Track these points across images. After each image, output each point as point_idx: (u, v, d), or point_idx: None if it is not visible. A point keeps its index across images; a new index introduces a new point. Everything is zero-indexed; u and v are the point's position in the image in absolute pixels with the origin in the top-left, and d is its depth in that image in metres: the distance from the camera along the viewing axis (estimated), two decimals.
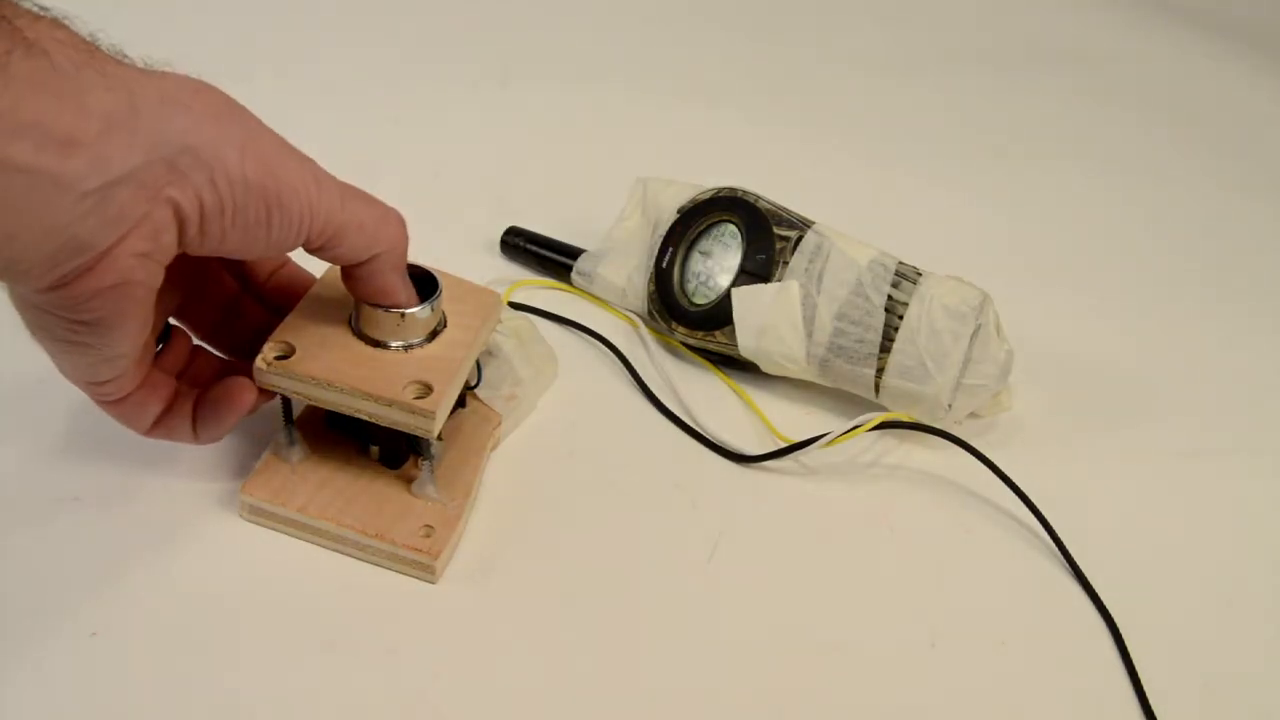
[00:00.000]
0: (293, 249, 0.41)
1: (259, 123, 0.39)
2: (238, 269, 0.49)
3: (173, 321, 0.48)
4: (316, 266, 0.50)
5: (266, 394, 0.47)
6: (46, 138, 0.33)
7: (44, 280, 0.35)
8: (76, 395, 0.52)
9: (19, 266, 0.35)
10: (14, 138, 0.32)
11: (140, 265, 0.37)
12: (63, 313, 0.37)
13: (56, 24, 0.35)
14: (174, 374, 0.47)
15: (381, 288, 0.45)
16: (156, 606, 0.45)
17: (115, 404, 0.43)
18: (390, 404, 0.45)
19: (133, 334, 0.39)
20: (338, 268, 0.49)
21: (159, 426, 0.45)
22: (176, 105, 0.36)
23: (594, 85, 0.87)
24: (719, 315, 0.59)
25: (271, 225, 0.39)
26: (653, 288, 0.61)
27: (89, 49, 0.35)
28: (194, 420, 0.46)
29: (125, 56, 0.37)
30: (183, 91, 0.37)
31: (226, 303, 0.49)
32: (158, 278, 0.38)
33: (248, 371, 0.46)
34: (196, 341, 0.49)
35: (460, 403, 0.51)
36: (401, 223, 0.44)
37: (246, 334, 0.49)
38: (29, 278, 0.35)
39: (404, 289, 0.46)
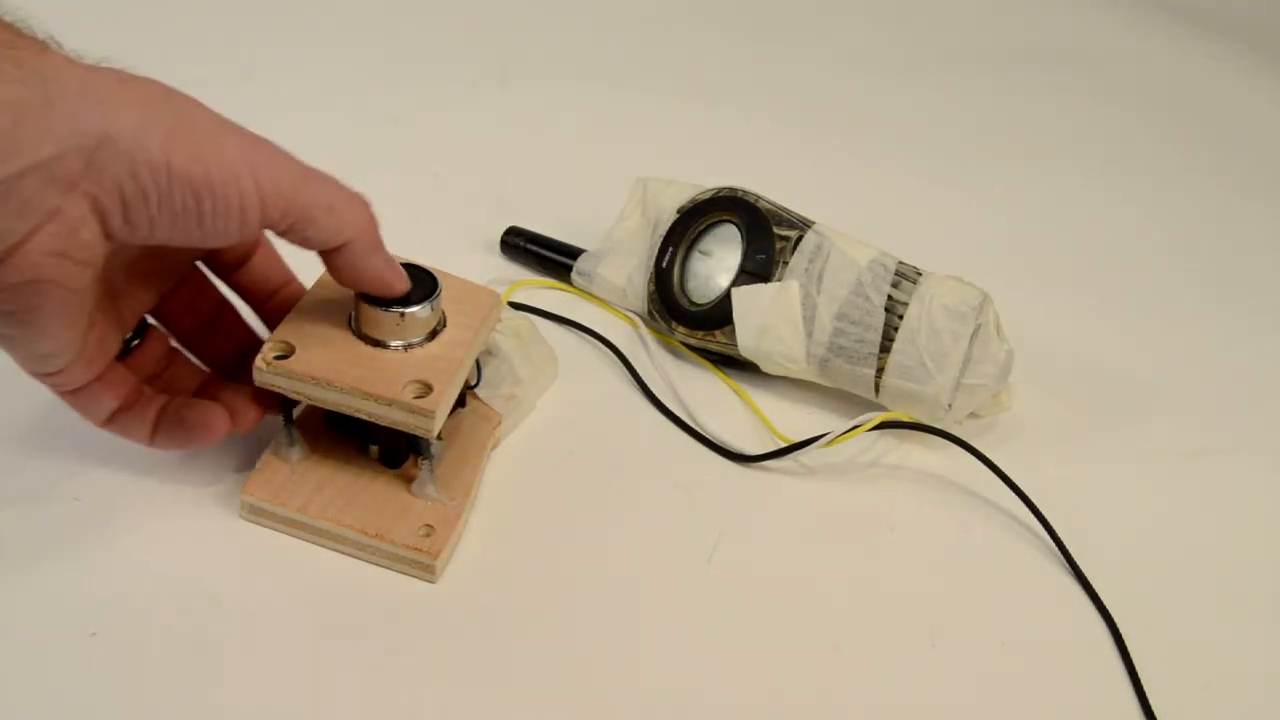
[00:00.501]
0: (246, 235, 0.41)
1: (196, 108, 0.38)
2: (238, 283, 0.49)
3: (151, 322, 0.48)
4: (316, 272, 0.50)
5: (242, 426, 0.47)
6: None
7: None
8: None
9: None
10: None
11: (54, 264, 0.36)
12: None
13: None
14: (145, 374, 0.47)
15: (366, 273, 0.44)
16: (156, 606, 0.45)
17: (68, 394, 0.43)
18: (390, 403, 0.45)
19: (56, 333, 0.39)
20: None
21: (114, 422, 0.45)
22: (96, 96, 0.36)
23: (594, 85, 0.87)
24: (719, 315, 0.59)
25: (204, 212, 0.38)
26: (653, 288, 0.61)
27: (9, 39, 0.35)
28: (156, 425, 0.46)
29: (55, 45, 0.36)
30: (108, 83, 0.36)
31: (209, 310, 0.49)
32: (79, 279, 0.38)
33: (229, 391, 0.47)
34: (176, 346, 0.49)
35: (460, 402, 0.51)
36: (367, 205, 0.43)
37: (230, 348, 0.49)
38: None
39: (391, 271, 0.45)
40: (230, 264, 0.48)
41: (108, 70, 0.37)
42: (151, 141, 0.36)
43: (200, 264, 0.48)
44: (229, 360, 0.49)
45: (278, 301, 0.49)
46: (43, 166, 0.35)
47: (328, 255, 0.43)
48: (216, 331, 0.49)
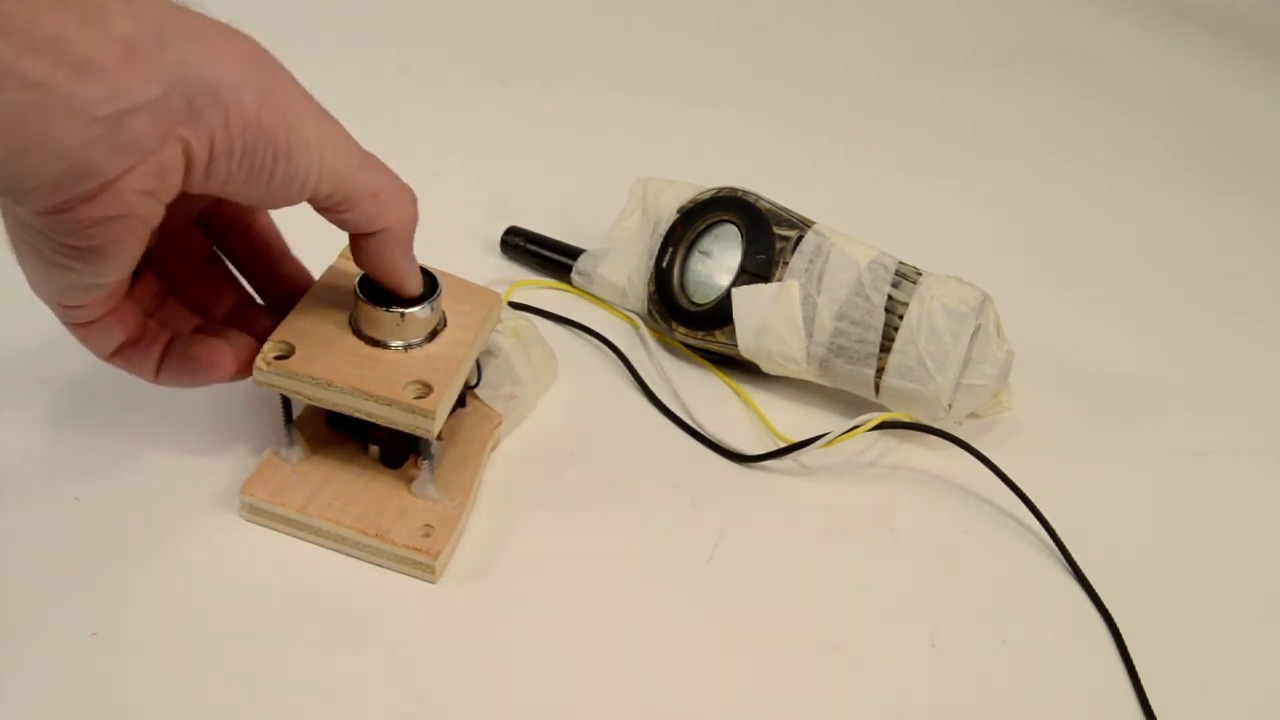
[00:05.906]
0: (294, 203, 0.41)
1: (287, 75, 0.39)
2: (236, 248, 0.49)
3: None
4: (322, 261, 0.50)
5: (245, 371, 0.46)
6: (62, 56, 0.32)
7: (46, 202, 0.35)
8: (76, 395, 0.52)
9: (23, 185, 0.34)
10: (28, 52, 0.32)
11: (143, 201, 0.36)
12: (56, 236, 0.37)
13: None
14: (144, 309, 0.46)
15: (388, 263, 0.44)
16: (156, 606, 0.45)
17: (80, 326, 0.43)
18: (390, 404, 0.45)
19: (121, 267, 0.39)
20: (338, 267, 0.49)
21: (120, 355, 0.45)
22: (203, 43, 0.36)
23: (594, 85, 0.87)
24: (719, 315, 0.59)
25: (275, 174, 0.39)
26: (653, 288, 0.61)
27: None
28: (161, 361, 0.45)
29: None
30: (211, 31, 0.37)
31: (196, 261, 0.49)
32: (158, 216, 0.38)
33: (232, 334, 0.46)
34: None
35: (460, 402, 0.51)
36: (413, 199, 0.44)
37: (218, 304, 0.49)
38: (31, 198, 0.35)
39: (410, 270, 0.45)
40: (231, 224, 0.48)
41: (212, 19, 0.37)
42: (247, 97, 0.37)
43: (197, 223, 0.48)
44: (221, 316, 0.49)
45: (274, 277, 0.49)
46: (150, 106, 0.35)
47: (357, 236, 0.44)
48: (204, 284, 0.49)
